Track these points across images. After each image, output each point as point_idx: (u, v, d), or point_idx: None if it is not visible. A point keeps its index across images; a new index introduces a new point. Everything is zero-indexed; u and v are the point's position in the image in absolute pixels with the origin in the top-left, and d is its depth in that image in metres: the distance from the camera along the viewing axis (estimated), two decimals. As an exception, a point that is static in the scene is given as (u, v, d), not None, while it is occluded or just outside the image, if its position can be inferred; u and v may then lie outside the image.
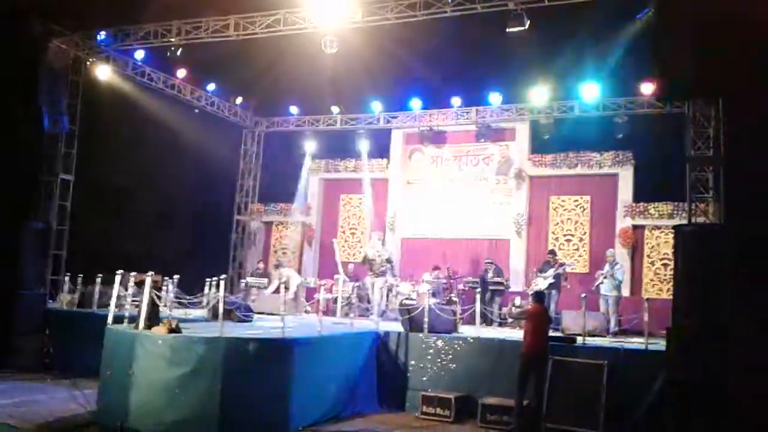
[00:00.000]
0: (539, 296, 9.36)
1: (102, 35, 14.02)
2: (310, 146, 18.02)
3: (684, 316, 7.47)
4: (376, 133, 17.56)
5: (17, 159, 12.97)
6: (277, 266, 15.43)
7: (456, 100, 16.19)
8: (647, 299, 9.52)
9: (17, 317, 11.40)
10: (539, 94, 15.06)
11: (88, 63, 14.24)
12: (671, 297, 8.06)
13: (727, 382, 7.04)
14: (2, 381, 10.16)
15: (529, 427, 8.31)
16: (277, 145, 18.83)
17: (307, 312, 13.85)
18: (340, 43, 12.41)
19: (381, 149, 17.59)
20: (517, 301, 13.34)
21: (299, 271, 16.52)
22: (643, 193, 14.74)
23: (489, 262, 14.17)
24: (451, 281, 14.15)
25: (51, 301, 12.92)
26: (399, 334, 10.18)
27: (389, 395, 9.79)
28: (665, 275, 14.10)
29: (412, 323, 10.25)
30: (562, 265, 13.27)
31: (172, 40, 13.52)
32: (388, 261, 13.87)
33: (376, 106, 17.07)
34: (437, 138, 16.82)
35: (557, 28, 12.64)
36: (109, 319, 8.70)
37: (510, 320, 12.50)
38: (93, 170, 14.37)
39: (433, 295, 13.17)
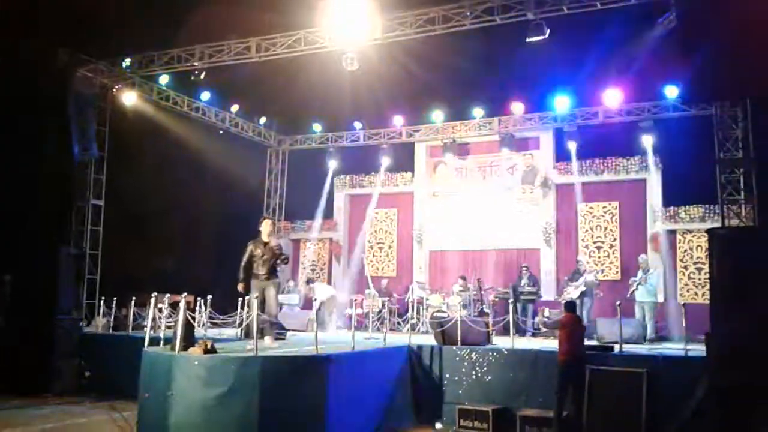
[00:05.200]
0: (570, 305, 9.28)
1: (127, 62, 14.23)
2: (334, 163, 18.14)
3: (723, 321, 7.34)
4: (400, 146, 17.64)
5: (50, 187, 13.24)
6: (308, 282, 15.50)
7: (478, 111, 16.18)
8: (683, 304, 9.36)
9: (55, 342, 11.57)
10: (562, 102, 15.06)
11: (114, 90, 14.48)
12: (707, 302, 7.93)
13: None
14: (43, 405, 10.32)
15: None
16: (301, 162, 18.97)
17: (338, 328, 13.85)
18: (360, 59, 12.47)
19: (405, 163, 17.64)
20: (546, 311, 13.21)
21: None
22: (673, 197, 14.58)
23: (525, 267, 14.13)
24: (482, 292, 14.08)
25: (86, 325, 13.09)
26: (432, 347, 10.12)
27: (425, 409, 9.73)
28: (699, 279, 13.91)
29: (445, 336, 10.20)
30: (591, 272, 13.14)
31: (196, 64, 13.70)
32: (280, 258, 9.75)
33: (398, 120, 17.15)
34: (461, 149, 16.81)
35: (577, 36, 12.60)
36: (146, 342, 8.77)
37: (544, 330, 12.38)
38: (122, 195, 14.59)
39: (464, 306, 13.13)
